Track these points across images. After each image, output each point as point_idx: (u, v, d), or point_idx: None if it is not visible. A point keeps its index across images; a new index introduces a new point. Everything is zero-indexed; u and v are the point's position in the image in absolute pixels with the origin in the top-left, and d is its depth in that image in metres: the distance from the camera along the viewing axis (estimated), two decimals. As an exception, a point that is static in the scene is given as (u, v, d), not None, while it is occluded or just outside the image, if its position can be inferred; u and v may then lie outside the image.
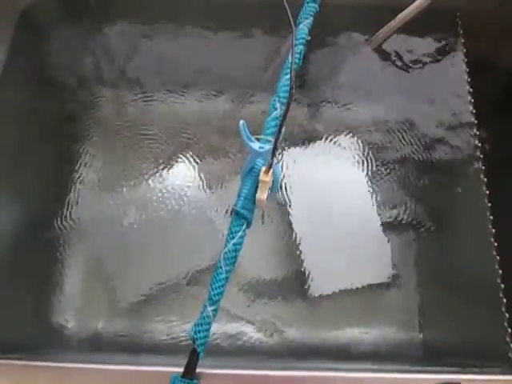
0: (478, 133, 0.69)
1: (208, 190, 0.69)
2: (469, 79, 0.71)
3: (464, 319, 0.62)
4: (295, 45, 0.48)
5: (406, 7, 0.65)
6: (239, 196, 0.44)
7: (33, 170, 0.68)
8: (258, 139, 0.43)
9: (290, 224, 0.66)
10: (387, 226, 0.67)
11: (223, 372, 0.49)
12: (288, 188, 0.68)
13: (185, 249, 0.66)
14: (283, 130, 0.40)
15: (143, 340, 0.61)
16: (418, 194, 0.69)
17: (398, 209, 0.68)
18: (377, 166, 0.70)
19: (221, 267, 0.43)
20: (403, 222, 0.68)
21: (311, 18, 0.52)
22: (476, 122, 0.70)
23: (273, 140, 0.42)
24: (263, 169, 0.43)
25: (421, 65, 0.74)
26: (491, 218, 0.64)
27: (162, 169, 0.69)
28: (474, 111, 0.70)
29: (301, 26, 0.51)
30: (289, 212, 0.67)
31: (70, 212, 0.67)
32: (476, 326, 0.61)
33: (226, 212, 0.67)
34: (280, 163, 0.68)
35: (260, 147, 0.42)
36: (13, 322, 0.59)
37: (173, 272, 0.64)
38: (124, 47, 0.75)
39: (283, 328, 0.63)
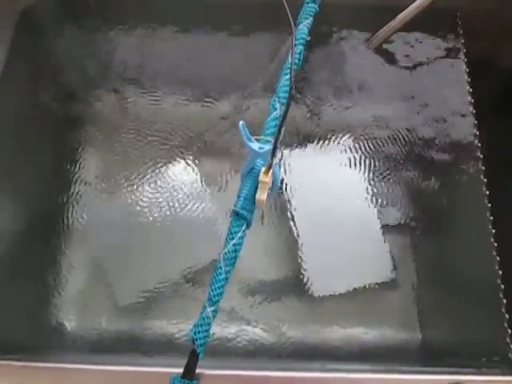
0: (477, 133, 0.69)
1: (208, 190, 0.68)
2: (469, 79, 0.71)
3: (464, 320, 0.62)
4: (295, 45, 0.48)
5: (406, 7, 0.65)
6: (239, 196, 0.44)
7: (33, 170, 0.68)
8: (257, 140, 0.43)
9: (290, 224, 0.66)
10: (387, 227, 0.67)
11: (223, 373, 0.49)
12: (288, 188, 0.68)
13: (185, 249, 0.66)
14: (283, 130, 0.40)
15: (143, 341, 0.61)
16: (417, 195, 0.69)
17: (398, 209, 0.68)
18: (377, 166, 0.70)
19: (220, 268, 0.43)
20: (403, 222, 0.68)
21: (311, 19, 0.52)
22: (476, 122, 0.70)
23: (272, 140, 0.42)
24: (263, 169, 0.42)
25: (421, 65, 0.74)
26: (491, 218, 0.64)
27: (162, 169, 0.69)
28: (474, 111, 0.70)
29: (300, 26, 0.51)
30: (289, 212, 0.67)
31: (70, 212, 0.67)
32: (476, 327, 0.61)
33: (226, 212, 0.67)
34: (280, 164, 0.68)
35: (260, 148, 0.42)
36: (13, 322, 0.59)
37: (173, 272, 0.64)
38: (124, 47, 0.75)
39: (283, 328, 0.63)
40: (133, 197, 0.68)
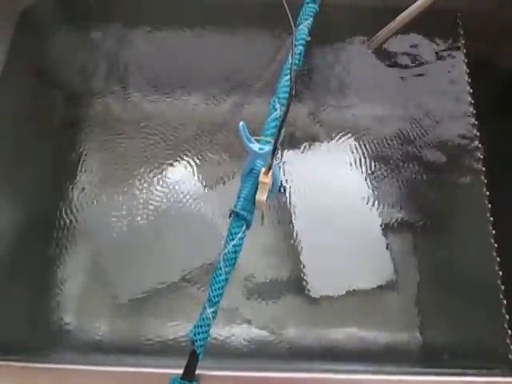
0: (478, 134, 0.69)
1: (208, 191, 0.68)
2: (469, 80, 0.71)
3: (464, 320, 0.62)
4: (295, 45, 0.48)
5: (406, 8, 0.65)
6: (239, 197, 0.44)
7: (32, 170, 0.68)
8: (257, 140, 0.43)
9: (289, 225, 0.66)
10: (387, 228, 0.67)
11: (223, 374, 0.49)
12: (288, 189, 0.68)
13: (185, 250, 0.66)
14: (283, 131, 0.40)
15: (143, 341, 0.61)
16: (418, 195, 0.69)
17: (398, 210, 0.68)
18: (377, 166, 0.70)
19: (220, 268, 0.43)
20: (403, 223, 0.68)
21: (311, 19, 0.52)
22: (476, 122, 0.70)
23: (272, 141, 0.42)
24: (263, 170, 0.42)
25: (421, 65, 0.74)
26: (491, 219, 0.64)
27: (162, 169, 0.69)
28: (475, 112, 0.70)
29: (301, 26, 0.51)
30: (289, 213, 0.67)
31: (70, 212, 0.67)
32: (476, 328, 0.61)
33: (226, 213, 0.67)
34: (280, 165, 0.68)
35: (260, 148, 0.42)
36: (12, 323, 0.59)
37: (172, 273, 0.64)
38: (124, 47, 0.75)
39: (283, 329, 0.63)
40: (133, 197, 0.68)
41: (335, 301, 0.64)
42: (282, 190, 0.67)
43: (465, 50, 0.73)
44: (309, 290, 0.64)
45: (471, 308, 0.62)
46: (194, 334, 0.43)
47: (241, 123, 0.40)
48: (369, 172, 0.69)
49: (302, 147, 0.70)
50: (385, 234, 0.67)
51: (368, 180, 0.69)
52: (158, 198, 0.68)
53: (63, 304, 0.64)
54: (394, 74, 0.74)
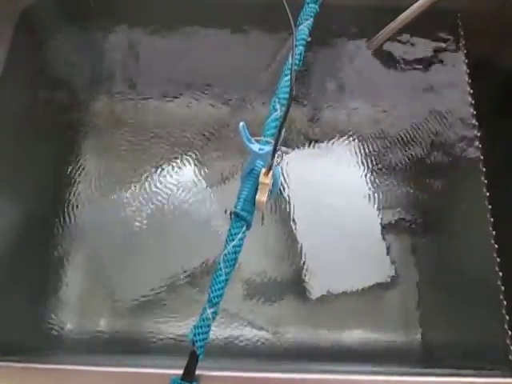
0: (478, 134, 0.69)
1: (208, 191, 0.68)
2: (469, 80, 0.71)
3: (464, 321, 0.62)
4: (295, 46, 0.48)
5: (407, 8, 0.65)
6: (239, 198, 0.44)
7: (32, 171, 0.68)
8: (257, 141, 0.43)
9: (289, 225, 0.66)
10: (387, 228, 0.67)
11: (223, 374, 0.49)
12: (288, 189, 0.68)
13: (185, 250, 0.66)
14: (283, 131, 0.39)
15: (143, 342, 0.61)
16: (418, 196, 0.69)
17: (399, 210, 0.68)
18: (377, 167, 0.70)
19: (220, 269, 0.43)
20: (403, 223, 0.68)
21: (311, 19, 0.52)
22: (477, 123, 0.70)
23: (273, 141, 0.42)
24: (263, 170, 0.42)
25: (421, 66, 0.74)
26: (492, 219, 0.63)
27: (162, 170, 0.69)
28: (475, 112, 0.70)
29: (301, 27, 0.51)
30: (289, 213, 0.67)
31: (70, 213, 0.67)
32: (476, 328, 0.61)
33: (226, 213, 0.67)
34: (280, 165, 0.68)
35: (260, 149, 0.42)
36: (12, 323, 0.59)
37: (172, 273, 0.64)
38: (123, 48, 0.75)
39: (283, 329, 0.63)
40: (133, 197, 0.68)
41: (335, 301, 0.64)
42: (280, 190, 0.67)
43: (465, 51, 0.73)
44: (309, 290, 0.64)
45: (471, 308, 0.62)
46: (194, 335, 0.43)
47: (241, 123, 0.40)
48: (369, 172, 0.69)
49: (302, 148, 0.70)
50: (385, 235, 0.67)
51: (368, 180, 0.69)
52: (158, 199, 0.68)
53: (63, 304, 0.64)
54: (394, 74, 0.74)
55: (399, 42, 0.73)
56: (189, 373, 0.44)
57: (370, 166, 0.70)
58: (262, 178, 0.42)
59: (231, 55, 0.75)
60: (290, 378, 0.50)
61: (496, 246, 0.63)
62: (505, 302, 0.60)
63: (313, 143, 0.71)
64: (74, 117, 0.73)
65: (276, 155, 0.41)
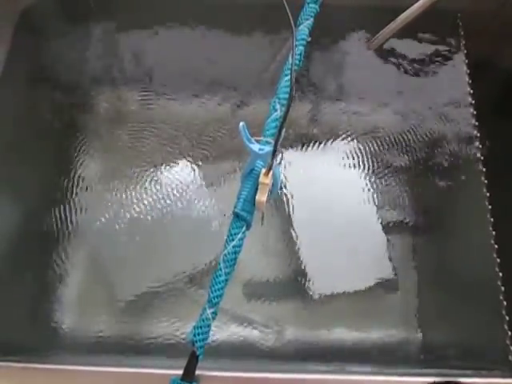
0: (478, 134, 0.69)
1: (208, 191, 0.68)
2: (469, 80, 0.71)
3: (464, 321, 0.62)
4: (295, 46, 0.48)
5: (407, 8, 0.65)
6: (239, 198, 0.44)
7: (32, 170, 0.68)
8: (257, 141, 0.43)
9: (289, 225, 0.66)
10: (387, 228, 0.67)
11: (223, 374, 0.49)
12: (288, 189, 0.68)
13: (185, 250, 0.66)
14: (283, 131, 0.39)
15: (142, 342, 0.61)
16: (418, 196, 0.69)
17: (398, 210, 0.68)
18: (377, 167, 0.70)
19: (220, 269, 0.43)
20: (403, 223, 0.68)
21: (312, 19, 0.52)
22: (477, 123, 0.70)
23: (273, 142, 0.42)
24: (263, 171, 0.42)
25: (421, 66, 0.74)
26: (492, 220, 0.63)
27: (162, 170, 0.69)
28: (475, 112, 0.70)
29: (301, 26, 0.51)
30: (289, 213, 0.67)
31: (70, 212, 0.67)
32: (476, 329, 0.61)
33: (226, 214, 0.67)
34: (280, 165, 0.68)
35: (260, 149, 0.42)
36: (12, 323, 0.59)
37: (172, 273, 0.64)
38: (123, 48, 0.75)
39: (283, 329, 0.63)
40: (133, 197, 0.68)
41: (335, 301, 0.64)
42: (280, 190, 0.67)
43: (465, 51, 0.73)
44: (309, 290, 0.64)
45: (471, 309, 0.62)
46: (194, 335, 0.43)
47: (241, 123, 0.40)
48: (369, 172, 0.69)
49: (302, 148, 0.70)
50: (385, 235, 0.67)
51: (368, 180, 0.69)
52: (158, 199, 0.68)
53: (63, 304, 0.64)
54: (393, 74, 0.74)
55: (399, 42, 0.73)
56: (189, 373, 0.44)
57: (370, 165, 0.70)
58: (261, 178, 0.42)
59: (231, 55, 0.75)
60: (290, 377, 0.50)
61: (496, 246, 0.63)
62: (505, 303, 0.60)
63: (313, 143, 0.71)
64: (74, 117, 0.73)
65: (276, 155, 0.41)
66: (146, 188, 0.68)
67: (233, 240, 0.44)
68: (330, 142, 0.71)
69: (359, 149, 0.70)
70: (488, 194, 0.65)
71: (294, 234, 0.66)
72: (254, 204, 0.44)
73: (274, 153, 0.40)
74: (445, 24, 0.74)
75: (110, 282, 0.64)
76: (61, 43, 0.74)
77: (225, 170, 0.69)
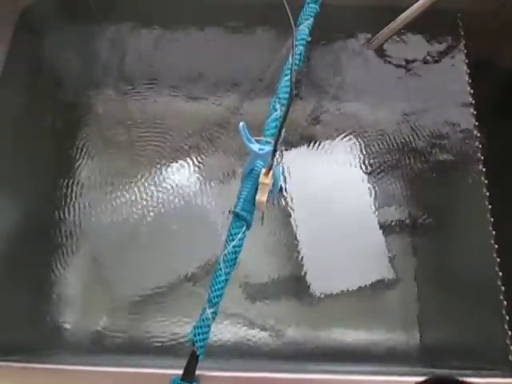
0: (478, 134, 0.69)
1: (208, 191, 0.68)
2: (469, 80, 0.71)
3: (464, 321, 0.62)
4: (295, 46, 0.48)
5: (407, 8, 0.65)
6: (239, 198, 0.44)
7: (32, 170, 0.68)
8: (257, 141, 0.43)
9: (290, 225, 0.66)
10: (387, 228, 0.67)
11: (223, 374, 0.49)
12: (288, 189, 0.68)
13: (185, 250, 0.66)
14: (283, 131, 0.39)
15: (142, 342, 0.61)
16: (418, 196, 0.69)
17: (398, 210, 0.68)
18: (377, 166, 0.70)
19: (220, 269, 0.43)
20: (403, 223, 0.68)
21: (312, 19, 0.52)
22: (477, 123, 0.70)
23: (273, 141, 0.42)
24: (263, 171, 0.42)
25: (421, 66, 0.73)
26: (492, 219, 0.63)
27: (162, 170, 0.69)
28: (475, 112, 0.70)
29: (301, 26, 0.51)
30: (289, 213, 0.67)
31: (70, 213, 0.67)
32: (476, 329, 0.61)
33: (226, 213, 0.67)
34: (280, 165, 0.68)
35: (260, 149, 0.42)
36: (12, 323, 0.59)
37: (172, 273, 0.64)
38: (123, 47, 0.75)
39: (283, 329, 0.63)
40: (133, 197, 0.68)
41: (335, 301, 0.64)
42: (280, 189, 0.67)
43: (465, 51, 0.73)
44: (309, 290, 0.64)
45: (471, 309, 0.62)
46: (194, 335, 0.43)
47: (241, 123, 0.40)
48: (369, 172, 0.69)
49: (302, 147, 0.70)
50: (385, 234, 0.67)
51: (368, 180, 0.69)
52: (158, 199, 0.68)
53: (63, 304, 0.64)
54: (394, 74, 0.73)
55: (399, 42, 0.73)
56: (189, 373, 0.44)
57: (370, 165, 0.70)
58: (262, 178, 0.42)
59: (231, 55, 0.75)
60: (290, 377, 0.50)
61: (496, 246, 0.63)
62: (505, 302, 0.60)
63: (313, 143, 0.71)
64: (73, 117, 0.73)
65: (276, 155, 0.41)
66: (146, 188, 0.68)
67: (233, 240, 0.44)
68: (329, 141, 0.71)
69: (359, 149, 0.70)
70: (488, 194, 0.65)
71: (293, 234, 0.66)
72: (254, 204, 0.44)
73: (274, 153, 0.40)
74: (445, 24, 0.74)
75: (110, 281, 0.64)
76: (61, 43, 0.74)
77: (225, 170, 0.69)
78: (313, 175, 0.69)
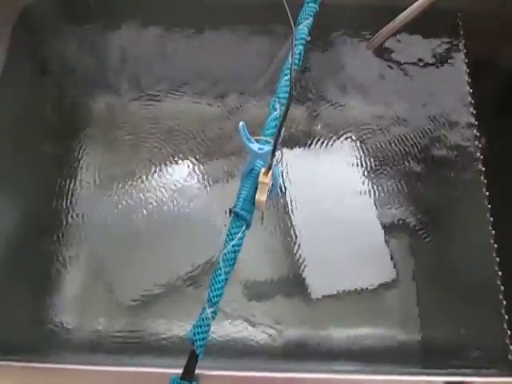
0: (478, 134, 0.69)
1: (207, 191, 0.68)
2: (469, 80, 0.71)
3: (463, 321, 0.62)
4: (295, 45, 0.48)
5: (407, 8, 0.65)
6: (238, 197, 0.44)
7: (32, 170, 0.68)
8: (257, 140, 0.43)
9: (289, 225, 0.66)
10: (387, 227, 0.67)
11: (222, 373, 0.49)
12: (288, 189, 0.68)
13: (184, 249, 0.66)
14: (283, 130, 0.39)
15: (142, 341, 0.61)
16: (418, 195, 0.69)
17: (398, 210, 0.68)
18: (376, 166, 0.70)
19: (220, 269, 0.43)
20: (403, 223, 0.68)
21: (311, 19, 0.52)
22: (476, 123, 0.70)
23: (272, 141, 0.42)
24: (263, 170, 0.42)
25: (421, 66, 0.74)
26: (491, 219, 0.64)
27: (162, 170, 0.69)
28: (475, 112, 0.70)
29: (301, 26, 0.51)
30: (289, 213, 0.67)
31: (70, 212, 0.67)
32: (475, 328, 0.61)
33: (226, 213, 0.67)
34: (280, 165, 0.68)
35: (259, 148, 0.42)
36: (13, 323, 0.59)
37: (172, 273, 0.64)
38: (123, 47, 0.75)
39: (283, 329, 0.63)
40: (133, 197, 0.68)
41: (335, 300, 0.64)
42: (279, 189, 0.67)
43: (465, 50, 0.73)
44: (309, 290, 0.64)
45: (471, 308, 0.62)
46: (194, 334, 0.43)
47: (240, 123, 0.40)
48: (369, 172, 0.69)
49: (302, 147, 0.70)
50: (385, 234, 0.67)
51: (368, 180, 0.69)
52: (157, 198, 0.68)
53: (63, 304, 0.64)
54: (393, 74, 0.74)
55: (399, 41, 0.73)
56: (188, 372, 0.44)
57: (370, 165, 0.70)
58: (261, 178, 0.42)
59: (231, 55, 0.75)
60: (290, 377, 0.50)
61: (496, 245, 0.63)
62: (504, 302, 0.60)
63: (313, 142, 0.71)
64: (74, 116, 0.73)
65: (275, 155, 0.41)
66: (145, 188, 0.68)
67: (232, 239, 0.44)
68: (329, 141, 0.71)
69: (359, 148, 0.70)
70: (488, 194, 0.65)
71: (293, 234, 0.66)
72: (254, 203, 0.44)
73: (274, 152, 0.40)
74: (444, 24, 0.74)
75: (110, 281, 0.64)
76: (60, 43, 0.74)
77: (225, 170, 0.69)
78: (313, 175, 0.69)
